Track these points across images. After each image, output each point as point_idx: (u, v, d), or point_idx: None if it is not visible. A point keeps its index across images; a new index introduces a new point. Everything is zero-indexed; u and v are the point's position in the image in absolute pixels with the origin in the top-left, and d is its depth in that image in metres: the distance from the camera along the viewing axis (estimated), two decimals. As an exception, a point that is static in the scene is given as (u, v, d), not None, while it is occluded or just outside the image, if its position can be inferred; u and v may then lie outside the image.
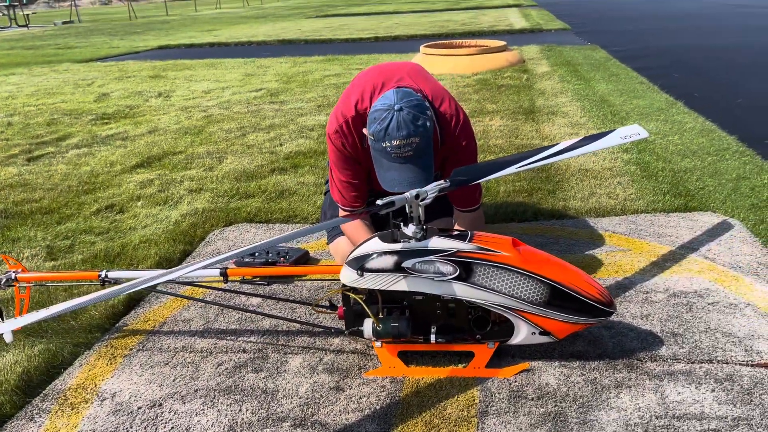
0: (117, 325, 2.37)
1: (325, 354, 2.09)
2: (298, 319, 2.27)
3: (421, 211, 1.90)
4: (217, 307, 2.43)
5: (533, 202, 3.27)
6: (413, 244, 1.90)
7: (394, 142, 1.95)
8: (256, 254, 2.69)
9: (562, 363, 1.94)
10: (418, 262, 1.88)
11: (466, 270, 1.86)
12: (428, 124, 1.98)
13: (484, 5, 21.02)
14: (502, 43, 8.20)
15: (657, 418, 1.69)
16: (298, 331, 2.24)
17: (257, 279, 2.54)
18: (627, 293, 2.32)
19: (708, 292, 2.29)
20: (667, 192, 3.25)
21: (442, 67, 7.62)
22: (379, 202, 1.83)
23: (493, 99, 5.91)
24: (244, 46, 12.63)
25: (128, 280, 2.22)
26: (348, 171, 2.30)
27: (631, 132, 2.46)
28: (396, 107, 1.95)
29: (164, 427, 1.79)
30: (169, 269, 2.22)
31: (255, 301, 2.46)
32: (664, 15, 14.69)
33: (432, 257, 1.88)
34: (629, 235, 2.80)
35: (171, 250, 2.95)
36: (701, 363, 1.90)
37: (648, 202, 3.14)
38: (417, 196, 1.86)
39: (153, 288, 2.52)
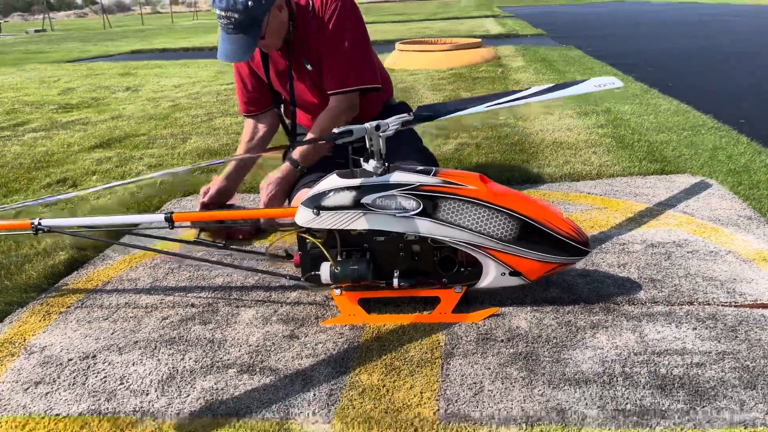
0: (56, 285, 2.18)
1: (281, 306, 1.93)
2: (255, 267, 2.11)
3: (381, 143, 1.76)
4: (166, 267, 2.26)
5: (506, 169, 3.15)
6: (373, 179, 1.76)
7: (218, 11, 2.06)
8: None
9: (535, 308, 1.81)
10: (379, 198, 1.74)
11: (430, 204, 1.72)
12: (250, 3, 2.03)
13: (462, 16, 21.19)
14: (478, 40, 8.18)
15: (636, 354, 1.55)
16: (252, 286, 2.08)
17: (208, 239, 2.39)
18: (603, 245, 2.20)
19: (687, 242, 2.18)
20: (643, 158, 3.16)
21: (417, 62, 7.56)
22: (335, 130, 1.70)
23: (468, 88, 5.83)
24: (219, 50, 12.47)
25: (64, 227, 2.05)
26: (237, 76, 2.50)
27: (606, 81, 2.36)
28: None
29: (95, 376, 1.61)
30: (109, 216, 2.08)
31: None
32: (637, 22, 14.90)
33: (393, 192, 1.73)
34: (605, 196, 2.68)
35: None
36: (681, 305, 1.78)
37: (624, 167, 3.04)
38: (377, 128, 1.73)
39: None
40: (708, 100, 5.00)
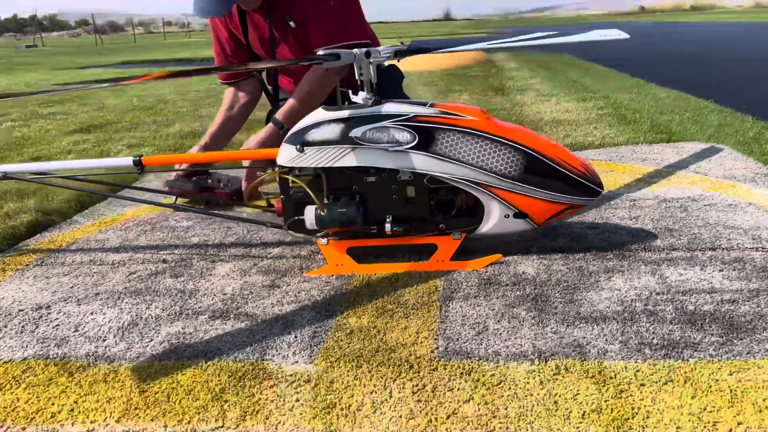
0: (16, 246, 1.99)
1: (261, 260, 1.74)
2: (239, 215, 1.93)
3: (372, 72, 1.60)
4: (138, 229, 2.08)
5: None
6: (363, 110, 1.59)
7: None
8: (194, 179, 2.35)
9: (542, 256, 1.63)
10: (370, 130, 1.57)
11: (426, 137, 1.55)
12: None
13: (453, 34, 21.30)
14: (471, 43, 8.12)
15: (658, 294, 1.38)
16: (231, 243, 1.89)
17: (189, 204, 2.22)
18: (612, 202, 2.03)
19: (702, 197, 2.02)
20: (648, 131, 3.01)
21: (408, 64, 7.45)
22: (320, 52, 1.54)
23: (461, 83, 5.71)
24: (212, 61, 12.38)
25: (24, 173, 1.88)
26: (215, 39, 2.34)
27: (612, 32, 2.23)
28: None
29: (47, 325, 1.42)
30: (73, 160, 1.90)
31: (186, 224, 2.11)
32: (630, 34, 14.97)
33: (386, 123, 1.57)
34: (610, 161, 2.53)
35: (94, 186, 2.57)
36: (703, 251, 1.61)
37: (628, 138, 2.89)
38: (368, 54, 1.57)
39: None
40: (706, 92, 4.89)
